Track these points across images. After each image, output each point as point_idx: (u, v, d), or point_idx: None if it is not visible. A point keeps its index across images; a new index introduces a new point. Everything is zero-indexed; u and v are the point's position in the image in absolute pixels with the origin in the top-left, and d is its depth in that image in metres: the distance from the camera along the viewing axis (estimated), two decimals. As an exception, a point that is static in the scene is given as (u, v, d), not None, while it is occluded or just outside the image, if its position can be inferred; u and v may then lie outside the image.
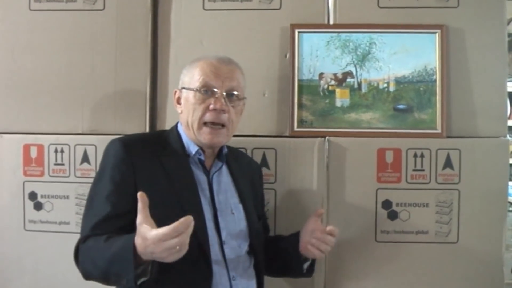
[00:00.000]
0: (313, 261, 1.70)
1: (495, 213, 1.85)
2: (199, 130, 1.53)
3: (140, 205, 1.28)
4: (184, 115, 1.57)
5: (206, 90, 1.53)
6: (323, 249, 1.59)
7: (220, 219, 1.53)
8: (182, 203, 1.47)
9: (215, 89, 1.53)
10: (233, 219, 1.56)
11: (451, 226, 1.85)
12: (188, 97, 1.55)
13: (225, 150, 1.62)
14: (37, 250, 1.89)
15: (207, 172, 1.57)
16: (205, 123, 1.53)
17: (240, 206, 1.60)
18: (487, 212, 1.85)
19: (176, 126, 1.64)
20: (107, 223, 1.43)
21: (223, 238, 1.52)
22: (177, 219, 1.40)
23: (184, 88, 1.58)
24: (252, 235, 1.60)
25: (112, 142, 1.54)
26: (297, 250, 1.64)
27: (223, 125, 1.54)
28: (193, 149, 1.56)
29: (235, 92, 1.56)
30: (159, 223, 1.39)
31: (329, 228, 1.59)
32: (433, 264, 1.85)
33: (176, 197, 1.47)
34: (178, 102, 1.61)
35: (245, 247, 1.58)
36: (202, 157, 1.57)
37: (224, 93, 1.53)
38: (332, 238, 1.59)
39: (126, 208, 1.43)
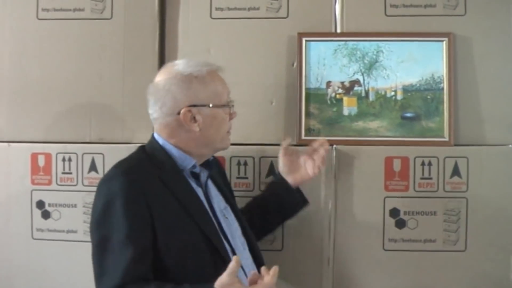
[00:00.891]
0: (298, 190, 1.78)
1: (503, 221, 1.85)
2: (226, 139, 1.58)
3: (233, 266, 1.27)
4: (209, 132, 1.52)
5: (229, 104, 1.57)
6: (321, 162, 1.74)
7: (223, 226, 1.53)
8: (196, 221, 1.44)
9: (231, 99, 1.58)
10: (228, 223, 1.56)
11: (459, 235, 1.84)
12: (216, 114, 1.52)
13: (211, 158, 1.61)
14: (44, 259, 1.89)
15: (199, 183, 1.55)
16: None
17: (228, 208, 1.61)
18: (495, 220, 1.84)
19: (156, 141, 1.54)
20: (138, 265, 1.34)
21: (232, 244, 1.52)
22: (197, 239, 1.42)
23: (203, 105, 1.50)
24: (245, 232, 1.61)
25: (113, 176, 1.45)
26: (288, 187, 1.73)
27: None
28: (189, 162, 1.52)
29: None
30: (182, 247, 1.41)
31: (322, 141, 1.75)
32: (441, 273, 1.84)
33: (189, 216, 1.44)
34: (193, 120, 1.50)
35: (246, 246, 1.59)
36: (197, 170, 1.54)
37: None
38: (322, 150, 1.75)
39: (149, 243, 1.38)
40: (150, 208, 1.40)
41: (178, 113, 1.49)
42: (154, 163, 1.50)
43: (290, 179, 1.75)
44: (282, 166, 1.77)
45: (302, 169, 1.75)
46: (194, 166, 1.53)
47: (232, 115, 1.58)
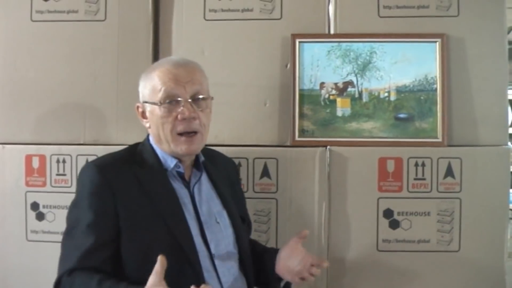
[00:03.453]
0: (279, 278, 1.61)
1: (497, 222, 1.86)
2: (174, 142, 1.48)
3: (157, 267, 1.26)
4: (154, 129, 1.51)
5: (170, 101, 1.46)
6: (309, 280, 1.56)
7: (206, 232, 1.49)
8: (167, 222, 1.43)
9: (179, 98, 1.46)
10: (219, 228, 1.52)
11: (453, 235, 1.85)
12: (154, 111, 1.48)
13: (202, 158, 1.58)
14: (39, 260, 1.89)
15: (187, 185, 1.53)
16: (178, 134, 1.48)
17: (224, 213, 1.56)
18: (488, 221, 1.85)
19: (148, 139, 1.57)
20: (92, 255, 1.38)
21: (212, 251, 1.48)
22: (164, 240, 1.40)
23: (146, 102, 1.51)
24: (239, 241, 1.56)
25: (86, 167, 1.48)
26: (272, 269, 1.58)
27: (195, 132, 1.49)
28: (171, 162, 1.51)
29: (200, 96, 1.49)
30: (147, 246, 1.40)
31: (325, 264, 1.59)
32: (435, 273, 1.85)
33: (160, 216, 1.43)
34: (143, 116, 1.54)
35: (234, 255, 1.55)
36: (181, 170, 1.52)
37: (190, 100, 1.47)
38: (318, 271, 1.56)
39: (109, 237, 1.40)
40: (116, 204, 1.42)
41: None
42: (136, 160, 1.51)
43: (280, 264, 1.58)
44: (285, 249, 1.60)
45: (292, 266, 1.56)
46: (177, 166, 1.51)
47: (175, 114, 1.46)
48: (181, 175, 1.53)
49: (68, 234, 1.45)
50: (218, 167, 1.65)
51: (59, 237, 1.85)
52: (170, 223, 1.43)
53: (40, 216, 1.90)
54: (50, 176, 1.90)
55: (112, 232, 1.41)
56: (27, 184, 1.91)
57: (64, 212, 1.83)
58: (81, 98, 1.93)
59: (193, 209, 1.50)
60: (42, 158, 1.91)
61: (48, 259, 1.87)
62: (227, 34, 1.93)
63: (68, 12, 1.94)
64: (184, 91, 1.47)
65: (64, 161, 1.90)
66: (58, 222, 1.89)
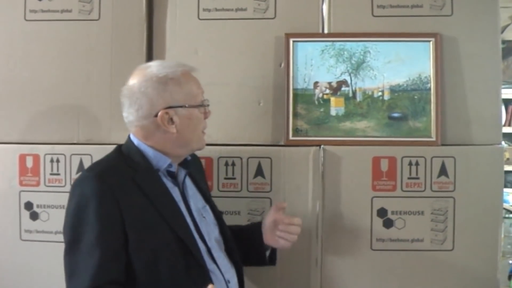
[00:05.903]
0: (274, 250, 1.72)
1: (490, 220, 1.86)
2: (201, 139, 1.57)
3: None
4: (186, 133, 1.51)
5: (203, 102, 1.55)
6: (290, 239, 1.64)
7: (200, 226, 1.53)
8: (169, 222, 1.44)
9: (205, 98, 1.56)
10: (206, 223, 1.56)
11: (447, 234, 1.85)
12: (192, 114, 1.51)
13: (189, 157, 1.60)
14: (33, 260, 1.90)
15: (176, 183, 1.55)
16: None
17: (207, 207, 1.61)
18: (482, 220, 1.85)
19: (131, 142, 1.53)
20: (107, 268, 1.36)
21: (209, 244, 1.52)
22: (170, 241, 1.43)
23: (180, 106, 1.49)
24: (223, 232, 1.61)
25: (85, 178, 1.45)
26: (260, 240, 1.66)
27: None
28: (164, 162, 1.51)
29: None
30: (154, 248, 1.42)
31: (296, 219, 1.65)
32: (428, 272, 1.85)
33: (162, 218, 1.44)
34: (170, 122, 1.49)
35: (222, 246, 1.59)
36: (173, 169, 1.54)
37: None
38: (296, 227, 1.64)
39: (119, 245, 1.39)
40: (121, 211, 1.40)
41: (156, 115, 1.48)
42: (129, 164, 1.50)
43: (267, 234, 1.67)
44: (266, 220, 1.68)
45: (272, 234, 1.66)
46: (170, 165, 1.53)
47: (207, 114, 1.57)
48: (171, 174, 1.54)
49: (74, 250, 1.40)
50: (192, 164, 1.65)
51: (53, 237, 1.89)
52: (172, 223, 1.45)
53: (34, 216, 1.90)
54: (44, 175, 1.90)
55: (121, 240, 1.39)
56: (21, 183, 1.91)
57: (58, 212, 1.88)
58: (75, 97, 1.93)
59: (185, 206, 1.53)
60: (36, 157, 1.90)
61: (42, 258, 1.89)
62: (221, 34, 1.93)
63: (62, 11, 1.94)
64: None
65: (58, 161, 1.90)
66: (52, 221, 1.89)
